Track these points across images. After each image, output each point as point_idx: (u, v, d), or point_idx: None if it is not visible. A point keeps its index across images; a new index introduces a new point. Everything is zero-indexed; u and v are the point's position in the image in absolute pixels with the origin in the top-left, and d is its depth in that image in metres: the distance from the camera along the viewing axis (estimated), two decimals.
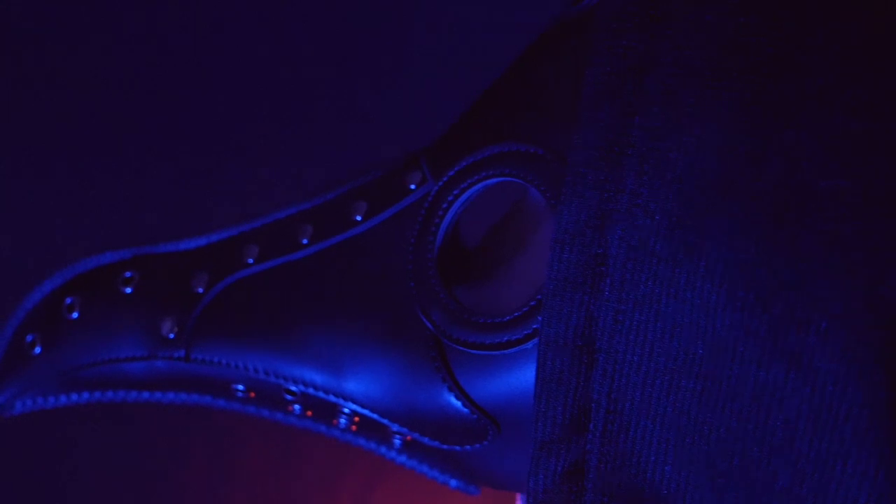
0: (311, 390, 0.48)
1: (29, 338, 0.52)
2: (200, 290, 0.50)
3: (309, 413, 0.51)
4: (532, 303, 0.45)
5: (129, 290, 0.51)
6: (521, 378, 0.45)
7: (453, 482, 0.51)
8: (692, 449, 0.42)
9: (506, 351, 0.45)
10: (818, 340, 0.39)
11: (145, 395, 0.52)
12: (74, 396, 0.53)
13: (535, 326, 0.44)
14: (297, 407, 0.50)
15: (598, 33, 0.43)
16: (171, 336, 0.50)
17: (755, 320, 0.40)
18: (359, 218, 0.49)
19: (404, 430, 0.48)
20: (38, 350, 0.52)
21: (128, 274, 0.51)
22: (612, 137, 0.43)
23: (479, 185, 0.47)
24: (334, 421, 0.50)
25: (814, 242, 0.40)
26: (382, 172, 0.49)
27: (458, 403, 0.46)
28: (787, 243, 0.40)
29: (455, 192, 0.47)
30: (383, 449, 0.51)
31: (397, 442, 0.50)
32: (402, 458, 0.51)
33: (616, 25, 0.43)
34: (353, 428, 0.50)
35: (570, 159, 0.43)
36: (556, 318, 0.43)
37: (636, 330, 0.42)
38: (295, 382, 0.49)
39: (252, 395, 0.51)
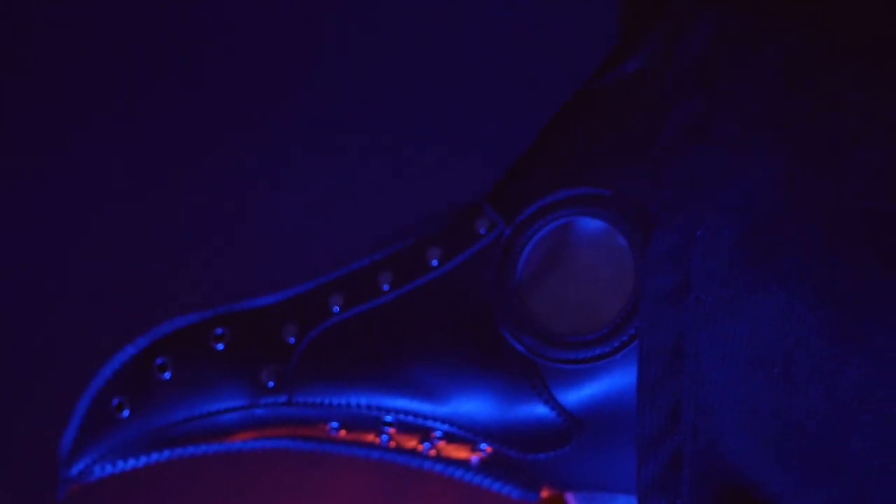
0: (409, 418, 0.54)
1: (115, 401, 0.55)
2: (293, 340, 0.55)
3: (393, 445, 0.56)
4: (617, 320, 0.52)
5: (220, 346, 0.55)
6: (608, 385, 0.53)
7: (516, 492, 0.57)
8: (765, 431, 0.50)
9: (596, 364, 0.52)
10: (877, 327, 0.49)
11: (236, 444, 0.56)
12: (155, 455, 0.56)
13: (623, 339, 0.52)
14: (384, 438, 0.55)
15: (665, 96, 0.51)
16: (272, 384, 0.54)
17: (826, 314, 0.49)
18: (435, 263, 0.55)
19: (495, 444, 0.54)
20: (126, 413, 0.55)
21: (218, 331, 0.55)
22: (690, 178, 0.51)
23: (552, 225, 0.54)
24: (419, 447, 0.56)
25: (863, 251, 0.49)
26: (449, 222, 0.56)
27: (552, 413, 0.53)
28: (843, 256, 0.49)
29: (529, 232, 0.54)
30: (459, 472, 0.56)
31: (475, 461, 0.56)
32: (477, 478, 0.57)
33: (679, 89, 0.51)
34: (433, 453, 0.56)
35: (653, 198, 0.51)
36: (654, 331, 0.51)
37: (718, 337, 0.50)
38: (394, 413, 0.54)
39: (343, 432, 0.55)
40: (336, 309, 0.55)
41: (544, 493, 0.58)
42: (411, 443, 0.56)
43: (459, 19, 0.66)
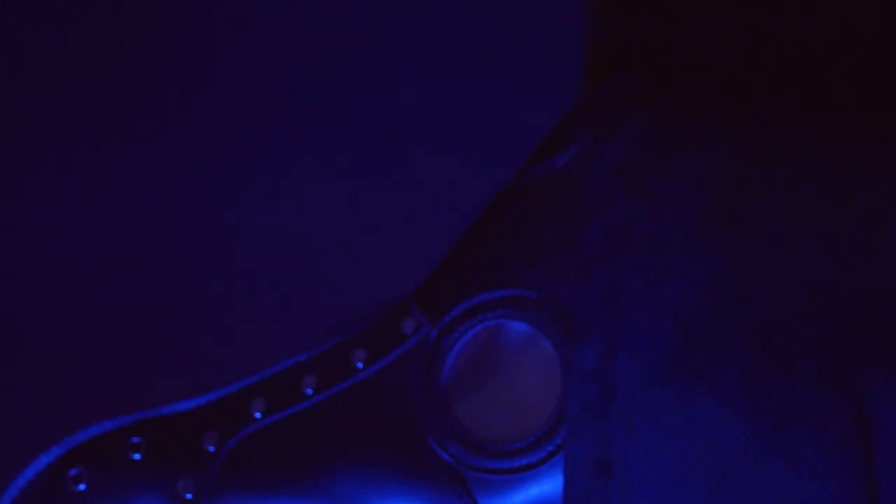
0: None
1: None
2: (212, 448, 0.53)
3: None
4: (545, 428, 0.50)
5: (137, 455, 0.53)
6: (537, 495, 0.51)
7: None
8: None
9: (524, 473, 0.50)
10: (808, 440, 0.47)
11: None
12: None
13: (550, 449, 0.50)
14: None
15: (588, 201, 0.50)
16: (190, 496, 0.52)
17: (757, 427, 0.47)
18: (360, 365, 0.53)
19: None
20: None
21: (135, 440, 0.53)
22: (616, 283, 0.49)
23: (479, 327, 0.52)
24: None
25: (796, 361, 0.47)
26: (375, 321, 0.54)
27: None
28: (774, 365, 0.47)
29: (455, 334, 0.52)
30: None
31: None
32: None
33: (605, 192, 0.49)
34: None
35: (579, 306, 0.49)
36: (579, 442, 0.49)
37: (646, 446, 0.48)
38: None
39: None
40: (258, 415, 0.53)
41: None
42: None
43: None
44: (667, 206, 0.49)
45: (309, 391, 0.53)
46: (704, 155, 0.49)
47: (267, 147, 0.63)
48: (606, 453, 0.49)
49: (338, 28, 0.65)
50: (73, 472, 0.53)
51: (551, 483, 0.51)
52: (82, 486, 0.53)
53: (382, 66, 0.65)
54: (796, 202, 0.48)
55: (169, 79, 0.64)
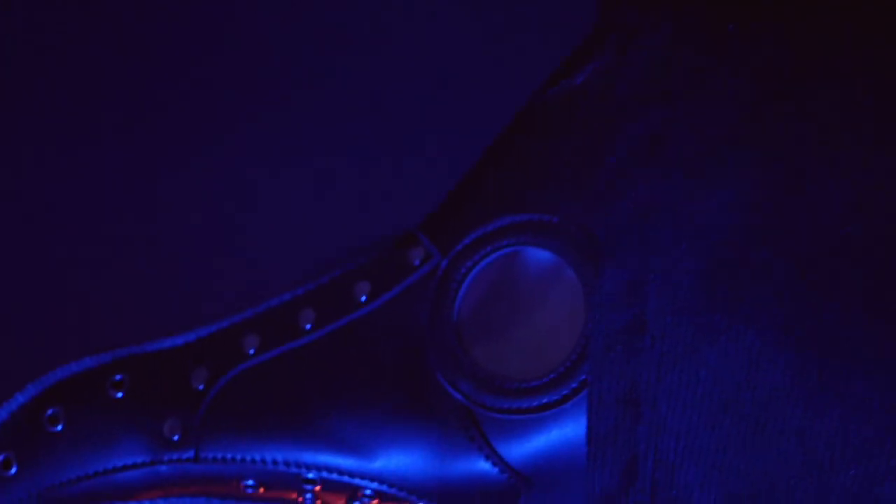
0: (333, 475, 0.48)
1: (1, 457, 0.49)
2: (201, 386, 0.48)
3: (319, 502, 0.50)
4: (567, 363, 0.46)
5: (119, 394, 0.49)
6: (558, 437, 0.46)
7: None
8: (732, 489, 0.44)
9: (543, 413, 0.46)
10: (861, 374, 0.42)
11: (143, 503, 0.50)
12: None
13: (573, 386, 0.46)
14: (308, 497, 0.49)
15: (617, 109, 0.45)
16: (176, 437, 0.48)
17: (800, 360, 0.43)
18: (363, 298, 0.48)
19: None
20: (13, 470, 0.49)
21: (117, 377, 0.49)
22: (643, 202, 0.45)
23: (493, 256, 0.47)
24: None
25: (841, 288, 0.43)
26: (380, 252, 0.49)
27: (494, 470, 0.47)
28: (818, 293, 0.43)
29: (468, 263, 0.48)
30: None
31: None
32: None
33: (632, 103, 0.45)
34: None
35: (604, 228, 0.45)
36: (605, 376, 0.45)
37: (678, 383, 0.44)
38: (317, 469, 0.48)
39: (261, 490, 0.49)
40: (251, 351, 0.49)
41: None
42: (339, 502, 0.50)
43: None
44: (697, 116, 0.45)
45: (307, 326, 0.49)
46: (744, 63, 0.45)
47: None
48: (634, 391, 0.45)
49: (338, 25, 0.62)
50: (49, 411, 0.49)
51: (574, 425, 0.46)
52: (59, 427, 0.49)
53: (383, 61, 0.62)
54: (845, 115, 0.44)
55: (168, 75, 0.61)
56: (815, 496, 0.44)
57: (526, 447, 0.47)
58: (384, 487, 0.48)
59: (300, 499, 0.50)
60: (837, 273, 0.43)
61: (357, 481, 0.48)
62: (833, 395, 0.43)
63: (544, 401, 0.46)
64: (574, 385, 0.46)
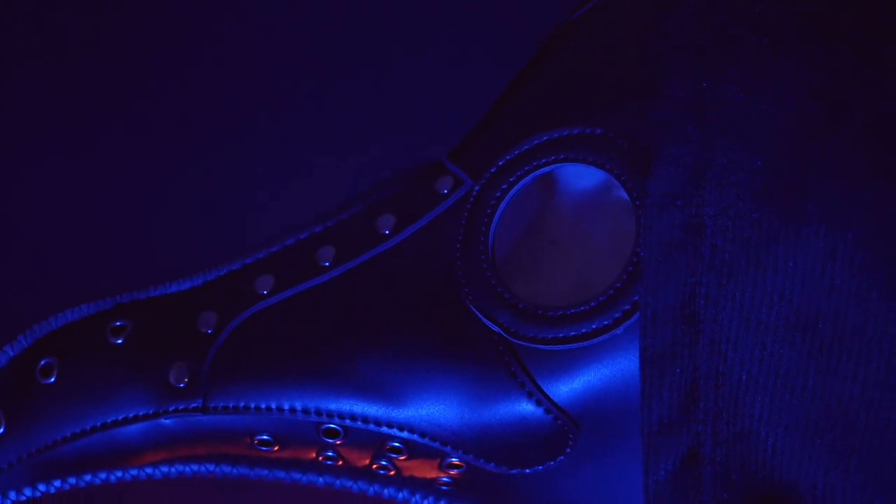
0: (358, 424, 0.43)
1: None
2: (209, 331, 0.44)
3: (340, 464, 0.45)
4: (617, 284, 0.41)
5: (120, 340, 0.44)
6: (609, 370, 0.41)
7: None
8: (804, 416, 0.39)
9: (592, 341, 0.41)
10: None
11: (145, 470, 0.44)
12: (42, 486, 0.45)
13: (625, 308, 0.41)
14: (329, 454, 0.44)
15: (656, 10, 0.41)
16: (182, 385, 0.43)
17: (882, 258, 0.38)
18: (387, 232, 0.44)
19: (469, 457, 0.43)
20: (1, 429, 0.44)
21: (117, 323, 0.44)
22: (694, 100, 0.41)
23: (530, 177, 0.43)
24: (374, 466, 0.44)
25: None
26: (404, 184, 0.45)
27: (538, 410, 0.42)
28: (893, 178, 0.39)
29: (503, 186, 0.43)
30: (428, 501, 0.45)
31: (445, 482, 0.45)
32: None
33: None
34: (392, 474, 0.45)
35: (656, 123, 0.41)
36: (660, 289, 0.40)
37: (742, 292, 0.39)
38: (339, 417, 0.43)
39: (276, 448, 0.44)
40: (264, 292, 0.44)
41: None
42: (363, 460, 0.44)
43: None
44: (748, 5, 0.41)
45: (326, 263, 0.44)
46: None
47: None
48: (692, 304, 0.40)
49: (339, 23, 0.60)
50: (42, 362, 0.44)
51: (626, 354, 0.41)
52: (52, 378, 0.44)
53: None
54: None
55: (168, 74, 0.59)
56: None
57: (574, 383, 0.42)
58: (415, 437, 0.43)
59: (320, 457, 0.44)
60: None
61: (385, 430, 0.43)
62: None
63: (593, 327, 0.41)
64: (626, 307, 0.41)
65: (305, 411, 0.43)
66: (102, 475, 0.44)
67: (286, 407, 0.43)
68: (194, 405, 0.43)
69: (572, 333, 0.41)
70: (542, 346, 0.41)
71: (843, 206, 0.39)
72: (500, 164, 0.43)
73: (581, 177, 0.43)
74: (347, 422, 0.43)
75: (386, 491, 0.45)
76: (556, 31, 0.46)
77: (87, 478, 0.44)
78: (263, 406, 0.43)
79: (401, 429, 0.43)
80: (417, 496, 0.45)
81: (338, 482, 0.45)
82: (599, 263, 0.42)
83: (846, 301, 0.39)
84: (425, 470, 0.44)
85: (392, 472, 0.45)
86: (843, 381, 0.39)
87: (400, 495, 0.45)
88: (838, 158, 0.39)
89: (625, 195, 0.42)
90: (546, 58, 0.45)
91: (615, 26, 0.44)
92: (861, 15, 0.40)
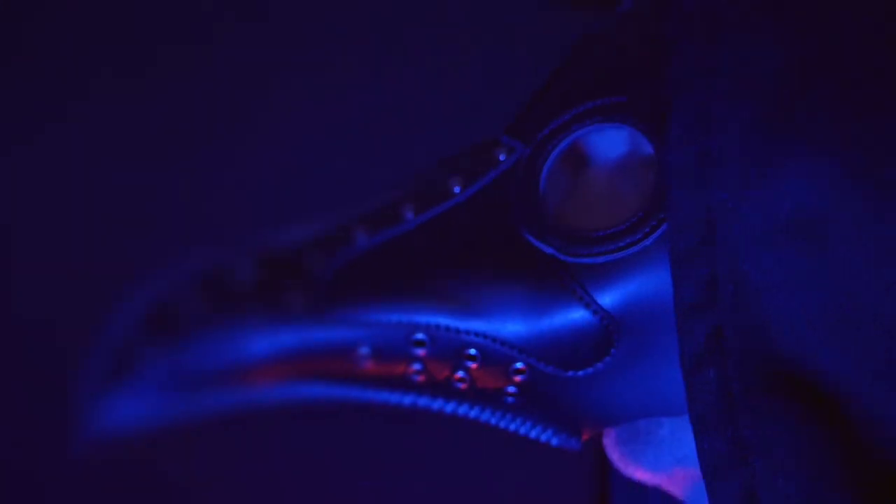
0: (441, 332, 0.52)
1: (136, 339, 0.54)
2: (319, 269, 0.54)
3: (423, 379, 0.54)
4: (646, 207, 0.52)
5: (246, 279, 0.54)
6: (645, 276, 0.51)
7: (556, 439, 0.55)
8: (811, 307, 0.49)
9: (628, 251, 0.51)
10: None
11: (266, 392, 0.54)
12: (187, 400, 0.54)
13: (652, 223, 0.51)
14: (415, 366, 0.53)
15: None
16: (300, 306, 0.53)
17: (862, 188, 0.48)
18: (457, 189, 0.55)
19: (531, 360, 0.52)
20: (149, 352, 0.53)
21: (246, 265, 0.55)
22: (699, 66, 0.52)
23: (571, 137, 0.54)
24: (452, 377, 0.54)
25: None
26: (469, 153, 0.56)
27: (587, 313, 0.51)
28: (870, 102, 0.49)
29: (549, 147, 0.54)
30: (495, 416, 0.54)
31: (511, 392, 0.54)
32: (514, 422, 0.54)
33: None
34: (465, 387, 0.54)
35: (668, 83, 0.52)
36: (682, 203, 0.50)
37: (748, 203, 0.50)
38: (425, 329, 0.52)
39: (371, 364, 0.54)
40: (360, 239, 0.55)
41: (585, 436, 0.56)
42: (443, 372, 0.54)
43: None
44: None
45: (409, 216, 0.55)
46: None
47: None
48: (710, 214, 0.50)
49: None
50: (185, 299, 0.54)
51: (658, 263, 0.51)
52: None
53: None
54: None
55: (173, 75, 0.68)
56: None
57: (616, 288, 0.52)
58: (487, 342, 0.53)
59: (408, 370, 0.54)
60: (880, 81, 0.49)
61: (463, 337, 0.53)
62: (877, 200, 0.48)
63: (627, 241, 0.51)
64: (654, 223, 0.51)
65: (399, 324, 0.53)
66: (233, 397, 0.54)
67: (384, 320, 0.53)
68: (311, 319, 0.53)
69: (612, 247, 0.52)
70: (587, 260, 0.52)
71: (825, 128, 0.49)
72: (546, 132, 0.55)
73: (612, 143, 0.54)
74: (432, 331, 0.53)
75: (461, 409, 0.55)
76: (580, 38, 0.58)
77: (224, 398, 0.54)
78: (366, 319, 0.53)
79: (476, 335, 0.52)
80: (487, 412, 0.55)
81: (421, 400, 0.55)
82: (632, 193, 0.53)
83: (832, 204, 0.49)
84: (495, 378, 0.54)
85: (465, 386, 0.54)
86: (838, 269, 0.49)
87: (472, 412, 0.55)
88: (816, 90, 0.50)
89: (648, 151, 0.53)
90: (571, 58, 0.57)
91: (633, 30, 0.56)
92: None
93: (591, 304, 0.52)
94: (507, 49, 0.69)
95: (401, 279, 0.54)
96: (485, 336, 0.53)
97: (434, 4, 0.69)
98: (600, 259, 0.52)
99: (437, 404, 0.55)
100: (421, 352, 0.54)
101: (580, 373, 0.53)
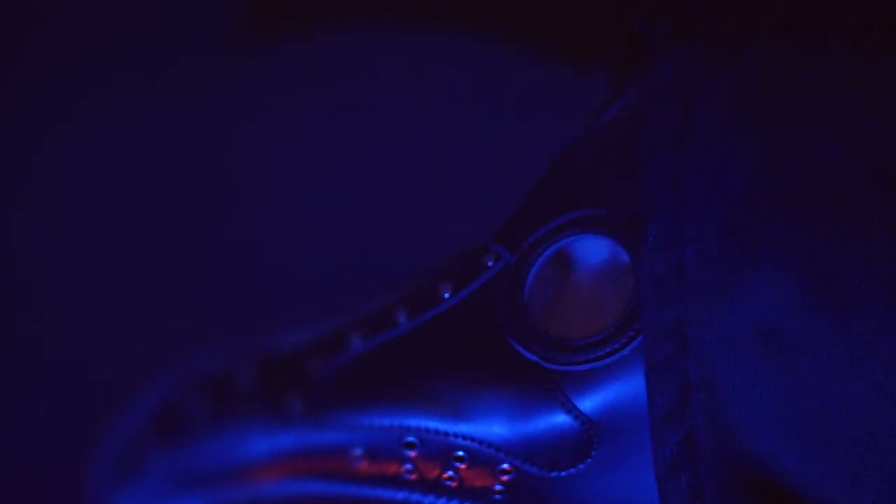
0: (431, 435, 0.55)
1: (143, 440, 0.57)
2: (316, 372, 0.57)
3: (415, 477, 0.57)
4: (623, 318, 0.55)
5: (248, 385, 0.57)
6: (623, 384, 0.54)
7: None
8: (773, 413, 0.52)
9: (607, 361, 0.54)
10: (860, 285, 0.51)
11: (265, 487, 0.57)
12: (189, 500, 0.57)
13: (629, 335, 0.54)
14: (407, 466, 0.56)
15: (644, 109, 0.56)
16: (298, 410, 0.56)
17: (823, 303, 0.51)
18: (447, 295, 0.58)
19: (517, 461, 0.55)
20: (155, 452, 0.57)
21: (247, 372, 0.58)
22: (670, 175, 0.55)
23: (554, 247, 0.57)
24: (442, 476, 0.57)
25: (845, 230, 0.52)
26: (458, 260, 0.59)
27: (569, 418, 0.54)
28: (829, 218, 0.52)
29: (534, 256, 0.57)
30: None
31: (497, 489, 0.57)
32: None
33: (655, 104, 0.56)
34: (455, 485, 0.57)
35: (643, 196, 0.55)
36: (655, 315, 0.53)
37: (715, 314, 0.53)
38: (416, 432, 0.55)
39: (365, 464, 0.57)
40: (356, 343, 0.58)
41: None
42: (434, 472, 0.57)
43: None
44: (719, 111, 0.55)
45: (402, 319, 0.58)
46: (746, 65, 0.56)
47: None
48: (681, 325, 0.53)
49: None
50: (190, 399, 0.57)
51: (635, 372, 0.54)
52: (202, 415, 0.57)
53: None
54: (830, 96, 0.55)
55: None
56: (836, 413, 0.51)
57: (596, 395, 0.55)
58: (475, 445, 0.55)
59: (400, 470, 0.57)
60: (834, 214, 0.52)
61: (451, 440, 0.55)
62: (846, 319, 0.51)
63: (606, 350, 0.54)
64: (631, 333, 0.54)
65: (391, 428, 0.56)
66: (233, 494, 0.57)
67: (376, 424, 0.56)
68: (308, 422, 0.56)
69: (591, 356, 0.55)
70: (569, 368, 0.55)
71: (782, 250, 0.52)
72: (531, 241, 0.58)
73: (593, 252, 0.57)
74: (422, 434, 0.56)
75: (450, 503, 0.58)
76: (567, 148, 0.61)
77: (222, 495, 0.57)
78: (359, 424, 0.56)
79: (464, 438, 0.55)
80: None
81: (413, 496, 0.58)
82: (610, 303, 0.56)
83: (787, 320, 0.52)
84: (483, 477, 0.57)
85: (455, 484, 0.57)
86: (793, 380, 0.52)
87: None
88: (783, 214, 0.53)
89: (626, 260, 0.56)
90: (560, 167, 0.60)
91: (614, 142, 0.59)
92: (791, 114, 0.55)
93: (572, 410, 0.55)
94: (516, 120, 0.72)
95: (393, 384, 0.57)
96: (472, 439, 0.56)
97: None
98: (581, 367, 0.55)
99: (428, 500, 0.58)
100: (412, 453, 0.57)
101: (563, 473, 0.56)
